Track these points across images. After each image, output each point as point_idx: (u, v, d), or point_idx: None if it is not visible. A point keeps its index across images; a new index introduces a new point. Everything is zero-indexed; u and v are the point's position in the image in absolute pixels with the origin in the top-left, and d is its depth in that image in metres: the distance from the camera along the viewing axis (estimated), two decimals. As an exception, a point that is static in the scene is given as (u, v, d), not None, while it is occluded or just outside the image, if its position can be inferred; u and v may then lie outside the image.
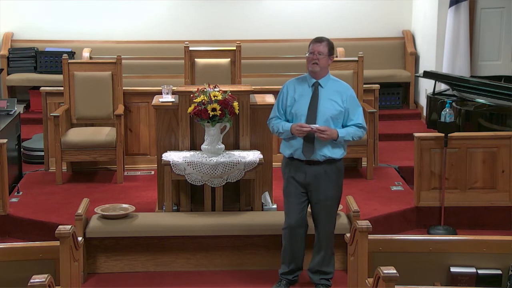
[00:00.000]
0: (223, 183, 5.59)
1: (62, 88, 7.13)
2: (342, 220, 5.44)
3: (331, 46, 4.81)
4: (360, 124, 4.86)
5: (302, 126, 4.73)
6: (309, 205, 5.00)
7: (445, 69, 8.29)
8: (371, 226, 4.27)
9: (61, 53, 8.38)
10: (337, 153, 4.86)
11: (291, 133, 4.80)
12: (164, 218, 5.59)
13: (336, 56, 8.87)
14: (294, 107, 4.83)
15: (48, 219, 5.88)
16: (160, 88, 6.07)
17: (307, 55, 4.82)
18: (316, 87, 4.81)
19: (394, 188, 6.66)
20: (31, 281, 3.49)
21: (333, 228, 5.02)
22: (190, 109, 5.51)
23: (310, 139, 4.78)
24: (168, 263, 5.49)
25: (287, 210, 4.98)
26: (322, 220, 4.94)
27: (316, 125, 4.74)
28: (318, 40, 4.81)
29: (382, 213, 6.04)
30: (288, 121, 4.86)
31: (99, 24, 9.46)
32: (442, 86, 7.67)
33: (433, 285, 4.24)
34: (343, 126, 4.85)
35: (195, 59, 7.54)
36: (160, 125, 5.85)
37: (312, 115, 4.77)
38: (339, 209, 5.43)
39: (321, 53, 4.76)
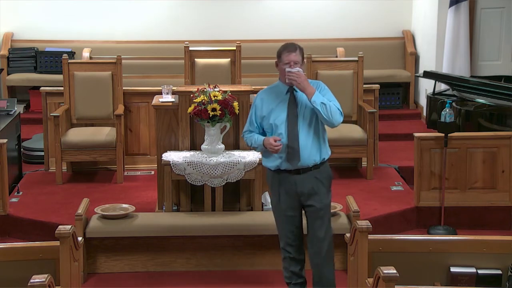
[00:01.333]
0: (223, 183, 5.59)
1: (62, 88, 7.13)
2: (342, 220, 5.45)
3: (303, 52, 4.54)
4: (335, 105, 4.51)
5: (276, 139, 4.45)
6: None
7: (445, 69, 8.28)
8: (371, 226, 4.27)
9: (61, 53, 8.38)
10: (324, 153, 4.57)
11: (264, 147, 4.53)
12: (164, 218, 5.59)
13: (336, 56, 8.89)
14: (272, 117, 4.54)
15: (48, 219, 5.88)
16: (160, 88, 6.07)
17: (284, 67, 4.48)
18: (291, 92, 4.54)
19: (394, 188, 6.66)
20: (31, 281, 3.49)
21: (332, 233, 4.70)
22: (190, 109, 5.51)
23: (292, 144, 4.49)
24: (168, 263, 5.49)
25: (280, 232, 4.71)
26: (322, 227, 4.61)
27: (296, 68, 4.44)
28: (290, 49, 4.51)
29: (382, 213, 6.04)
30: (265, 133, 4.60)
31: (99, 24, 9.46)
32: (442, 86, 7.67)
33: (433, 285, 4.24)
34: (320, 125, 4.58)
35: (195, 59, 7.54)
36: (160, 125, 5.85)
37: (292, 120, 4.51)
38: (339, 209, 5.44)
39: (297, 62, 4.48)
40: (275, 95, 4.60)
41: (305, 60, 4.66)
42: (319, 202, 4.59)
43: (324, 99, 4.49)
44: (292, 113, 4.52)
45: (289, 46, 4.53)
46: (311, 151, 4.53)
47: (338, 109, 4.52)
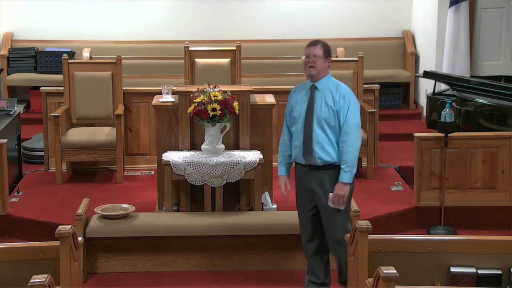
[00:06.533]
0: (223, 183, 5.59)
1: (62, 88, 7.13)
2: (342, 220, 5.43)
3: (327, 48, 4.68)
4: (348, 128, 4.60)
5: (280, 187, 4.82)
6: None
7: (445, 69, 8.29)
8: (371, 226, 4.26)
9: (61, 53, 8.38)
10: (335, 156, 4.65)
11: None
12: (164, 218, 5.59)
13: (336, 56, 8.88)
14: (295, 110, 4.71)
15: (48, 219, 5.88)
16: (160, 88, 6.07)
17: (303, 59, 4.70)
18: (312, 90, 4.69)
19: (394, 188, 6.66)
20: (31, 281, 3.49)
21: (343, 235, 4.64)
22: (190, 109, 5.51)
23: (307, 140, 4.64)
24: (168, 263, 5.49)
25: (299, 219, 4.88)
26: (331, 227, 4.71)
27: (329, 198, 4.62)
28: (313, 43, 4.68)
29: (382, 213, 6.05)
30: (288, 126, 4.79)
31: (99, 24, 9.46)
32: (442, 86, 7.67)
33: (433, 285, 4.24)
34: (340, 128, 4.63)
35: (195, 59, 7.54)
36: (160, 125, 5.85)
37: (309, 119, 4.64)
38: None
39: (317, 55, 4.63)
40: (300, 92, 4.77)
41: (330, 58, 4.72)
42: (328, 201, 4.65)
43: (345, 168, 4.57)
44: (310, 109, 4.65)
45: (313, 41, 4.70)
46: (325, 150, 4.62)
47: (347, 132, 4.59)
